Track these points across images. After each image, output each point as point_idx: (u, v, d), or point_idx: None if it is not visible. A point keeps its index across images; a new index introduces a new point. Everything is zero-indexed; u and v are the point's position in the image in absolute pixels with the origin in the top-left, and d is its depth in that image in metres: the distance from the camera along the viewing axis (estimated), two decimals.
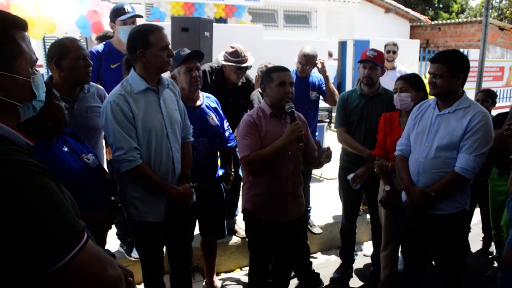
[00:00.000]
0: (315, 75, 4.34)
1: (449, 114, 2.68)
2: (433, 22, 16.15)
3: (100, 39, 4.07)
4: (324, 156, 2.76)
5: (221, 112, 3.22)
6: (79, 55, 2.58)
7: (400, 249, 3.44)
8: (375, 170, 3.29)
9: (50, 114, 2.06)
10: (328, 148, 2.76)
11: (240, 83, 3.80)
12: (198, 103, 3.07)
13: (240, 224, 3.99)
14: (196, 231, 3.33)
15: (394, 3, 15.23)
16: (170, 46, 2.50)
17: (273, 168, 2.75)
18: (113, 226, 3.56)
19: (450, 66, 2.62)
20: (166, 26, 3.83)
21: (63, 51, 2.55)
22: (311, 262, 3.70)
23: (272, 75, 2.79)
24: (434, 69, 2.64)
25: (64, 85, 2.55)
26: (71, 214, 1.09)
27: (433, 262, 3.17)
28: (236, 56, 3.55)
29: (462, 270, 2.94)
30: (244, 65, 3.61)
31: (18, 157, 1.05)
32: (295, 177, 2.84)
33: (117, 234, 3.66)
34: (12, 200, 1.00)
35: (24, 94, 1.20)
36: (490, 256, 4.44)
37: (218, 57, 3.70)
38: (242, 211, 2.97)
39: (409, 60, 8.09)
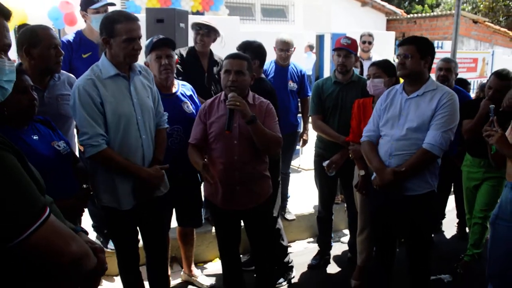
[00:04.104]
0: (294, 66, 4.41)
1: (418, 97, 2.73)
2: (408, 16, 16.35)
3: None
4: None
5: (197, 100, 3.20)
6: (51, 44, 2.54)
7: None
8: (350, 156, 3.33)
9: (4, 104, 1.99)
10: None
11: (216, 62, 3.82)
12: (173, 90, 3.05)
13: None
14: (174, 221, 3.33)
15: None
16: (142, 38, 2.47)
17: (218, 157, 2.72)
18: (89, 218, 3.55)
19: (419, 47, 2.68)
20: (141, 17, 3.80)
21: (34, 39, 2.50)
22: (285, 250, 3.70)
23: (224, 62, 2.75)
24: (403, 50, 2.69)
25: (33, 73, 2.50)
26: (32, 190, 1.08)
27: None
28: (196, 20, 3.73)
29: (430, 249, 3.01)
30: (201, 21, 3.71)
31: None
32: (243, 166, 2.70)
33: (93, 226, 3.62)
34: None
35: None
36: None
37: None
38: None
39: (385, 52, 8.18)
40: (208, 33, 3.72)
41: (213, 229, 3.99)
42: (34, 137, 2.17)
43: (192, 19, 4.83)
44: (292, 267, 3.72)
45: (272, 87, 3.51)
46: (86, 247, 1.18)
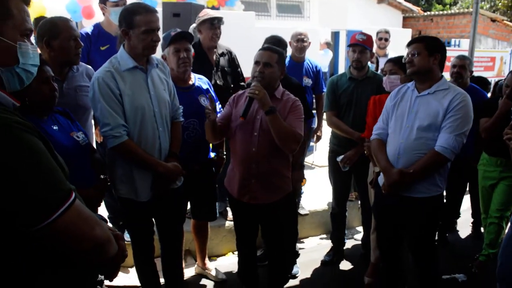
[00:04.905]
0: (310, 62, 4.40)
1: (429, 95, 2.67)
2: (425, 13, 16.16)
3: None
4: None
5: (213, 93, 3.21)
6: (70, 36, 2.56)
7: None
8: (365, 152, 3.31)
9: (26, 94, 2.00)
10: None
11: (223, 54, 3.78)
12: (190, 83, 3.06)
13: None
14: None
15: None
16: (160, 30, 2.48)
17: (237, 147, 2.73)
18: (105, 210, 3.59)
19: (427, 44, 2.64)
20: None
21: (54, 31, 2.52)
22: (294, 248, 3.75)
23: (256, 53, 2.77)
24: (411, 49, 2.65)
25: (53, 64, 2.52)
26: (58, 173, 1.09)
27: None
28: (203, 14, 3.64)
29: (437, 251, 2.93)
30: (212, 16, 3.62)
31: (3, 114, 1.05)
32: (261, 159, 2.67)
33: (108, 218, 3.66)
34: None
35: (6, 57, 1.18)
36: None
37: (192, 26, 3.76)
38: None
39: (401, 49, 8.10)
40: (219, 23, 3.66)
41: (227, 223, 4.02)
42: (54, 128, 2.20)
43: None
44: (299, 254, 3.82)
45: (299, 83, 3.52)
46: (109, 233, 1.20)
